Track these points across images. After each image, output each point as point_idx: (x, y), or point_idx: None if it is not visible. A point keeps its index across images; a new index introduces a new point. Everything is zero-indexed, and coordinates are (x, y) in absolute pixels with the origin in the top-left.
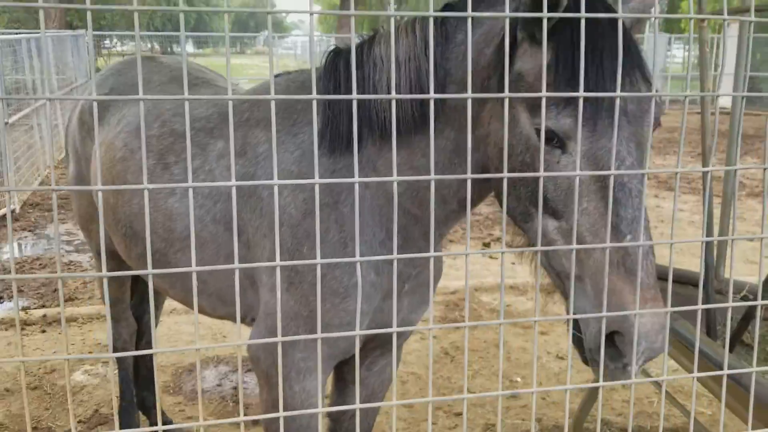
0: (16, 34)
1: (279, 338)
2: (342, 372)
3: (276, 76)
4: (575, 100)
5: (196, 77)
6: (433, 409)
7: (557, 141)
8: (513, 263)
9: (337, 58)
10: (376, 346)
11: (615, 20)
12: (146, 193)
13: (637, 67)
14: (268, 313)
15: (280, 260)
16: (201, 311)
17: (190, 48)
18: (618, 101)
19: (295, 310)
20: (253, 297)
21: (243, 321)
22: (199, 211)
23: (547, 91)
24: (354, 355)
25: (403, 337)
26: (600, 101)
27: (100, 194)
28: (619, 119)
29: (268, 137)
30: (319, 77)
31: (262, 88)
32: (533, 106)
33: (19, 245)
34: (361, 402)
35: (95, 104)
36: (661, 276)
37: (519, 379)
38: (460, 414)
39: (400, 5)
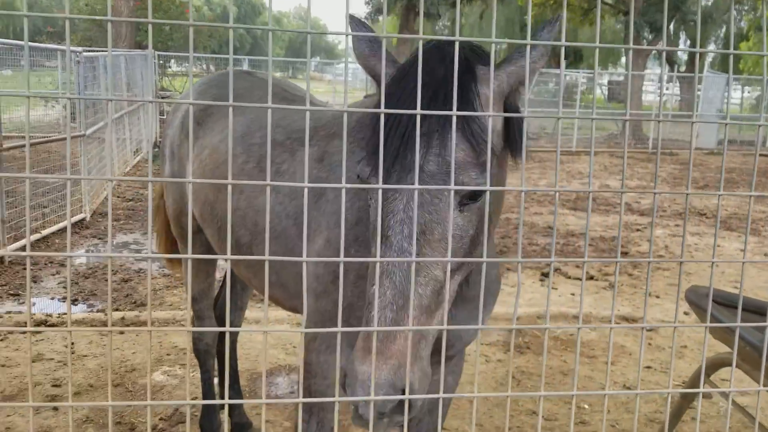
0: (92, 51)
1: (303, 329)
2: None
3: (365, 96)
4: (372, 155)
5: (293, 94)
6: None
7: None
8: (572, 294)
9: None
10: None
11: (450, 78)
12: (229, 188)
13: (456, 129)
14: (311, 312)
15: (333, 256)
16: (276, 302)
17: (245, 68)
18: (418, 160)
19: (335, 312)
20: None
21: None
22: (279, 207)
23: (363, 140)
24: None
25: (455, 348)
26: (392, 158)
27: (190, 186)
28: (410, 173)
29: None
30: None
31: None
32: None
33: (88, 252)
34: (423, 410)
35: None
36: (722, 301)
37: (587, 406)
38: None
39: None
